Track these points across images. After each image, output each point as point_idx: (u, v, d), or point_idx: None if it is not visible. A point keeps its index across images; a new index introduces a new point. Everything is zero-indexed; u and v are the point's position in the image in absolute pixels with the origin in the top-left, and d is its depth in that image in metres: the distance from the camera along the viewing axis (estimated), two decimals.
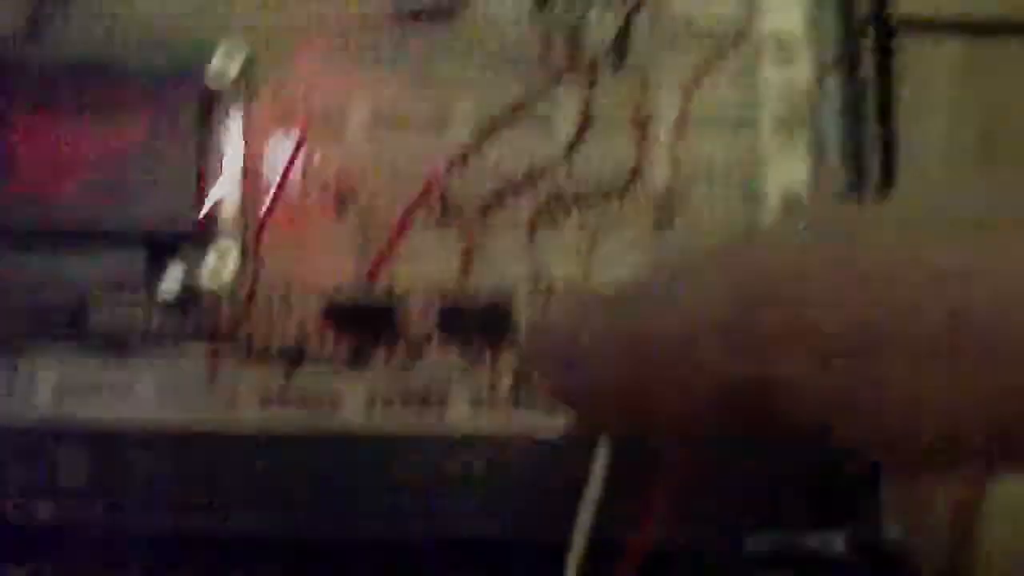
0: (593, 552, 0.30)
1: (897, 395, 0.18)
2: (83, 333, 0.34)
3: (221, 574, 0.35)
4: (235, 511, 0.34)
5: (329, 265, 0.35)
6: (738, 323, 0.20)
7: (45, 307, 0.34)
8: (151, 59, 0.35)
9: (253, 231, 0.35)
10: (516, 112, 0.35)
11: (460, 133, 0.35)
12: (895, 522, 0.33)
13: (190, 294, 0.34)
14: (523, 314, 0.34)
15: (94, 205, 0.34)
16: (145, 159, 0.34)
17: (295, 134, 0.35)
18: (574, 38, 0.36)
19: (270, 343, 0.34)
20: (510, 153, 0.35)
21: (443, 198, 0.34)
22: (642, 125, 0.35)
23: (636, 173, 0.35)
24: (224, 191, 0.35)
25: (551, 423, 0.33)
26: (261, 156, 0.35)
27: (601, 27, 0.36)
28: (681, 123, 0.35)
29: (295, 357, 0.33)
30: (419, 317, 0.34)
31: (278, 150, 0.35)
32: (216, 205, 0.35)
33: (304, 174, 0.35)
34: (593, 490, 0.30)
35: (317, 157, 0.35)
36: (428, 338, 0.34)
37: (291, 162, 0.35)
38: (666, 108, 0.35)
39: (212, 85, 0.35)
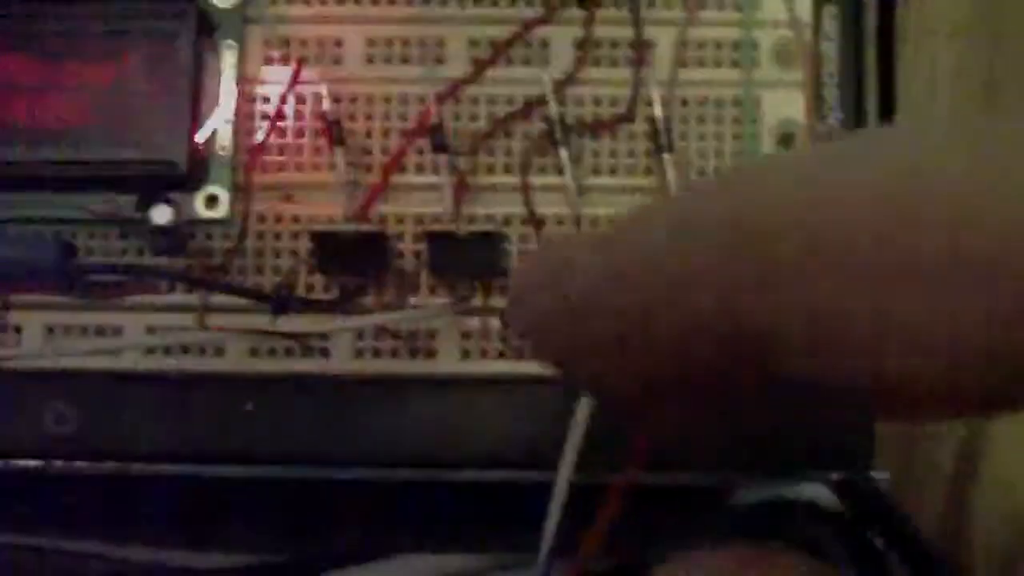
0: (576, 495, 0.30)
1: (901, 330, 0.18)
2: (71, 276, 0.34)
3: (210, 518, 0.35)
4: (224, 455, 0.34)
5: (321, 200, 0.35)
6: (744, 259, 0.18)
7: (32, 249, 0.33)
8: None
9: (245, 165, 0.35)
10: (511, 45, 0.35)
11: (455, 67, 0.35)
12: (886, 468, 0.33)
13: (180, 230, 0.34)
14: (515, 250, 0.34)
15: (83, 142, 0.34)
16: (137, 94, 0.34)
17: (291, 66, 0.35)
18: None
19: (260, 281, 0.34)
20: (505, 88, 0.35)
21: (436, 132, 0.34)
22: (639, 57, 0.35)
23: (632, 106, 0.35)
24: (217, 124, 0.35)
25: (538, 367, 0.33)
26: (255, 89, 0.35)
27: None
28: (678, 54, 0.35)
29: (284, 299, 0.33)
30: (410, 253, 0.34)
31: (272, 82, 0.35)
32: (209, 139, 0.35)
33: (297, 108, 0.35)
34: (576, 433, 0.31)
35: (311, 90, 0.35)
36: (417, 275, 0.34)
37: (285, 94, 0.35)
38: (663, 40, 0.35)
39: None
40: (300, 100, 0.35)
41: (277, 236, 0.34)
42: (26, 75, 0.34)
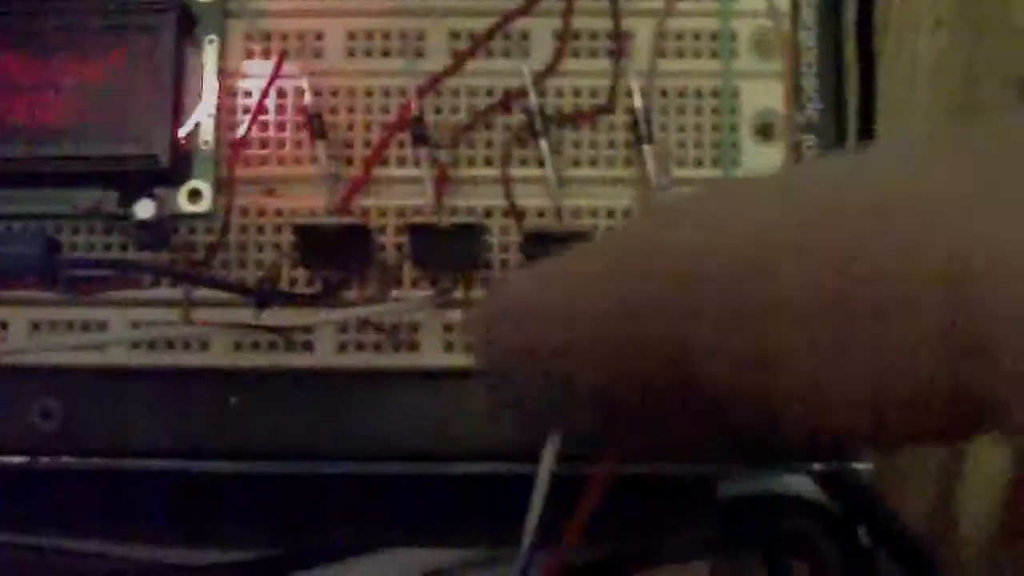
0: (558, 485, 0.30)
1: (816, 389, 0.18)
2: (55, 272, 0.34)
3: (200, 514, 0.35)
4: (210, 450, 0.34)
5: (303, 193, 0.35)
6: (726, 300, 0.19)
7: (16, 245, 0.33)
8: None
9: (228, 159, 0.35)
10: (491, 37, 0.35)
11: (435, 59, 0.35)
12: (868, 459, 0.33)
13: (164, 224, 0.34)
14: (496, 242, 0.34)
15: (65, 138, 0.34)
16: (119, 90, 0.34)
17: (272, 59, 0.35)
18: None
19: (244, 274, 0.34)
20: (486, 80, 0.35)
21: (417, 125, 0.34)
22: (618, 48, 0.35)
23: (612, 97, 0.35)
24: (200, 118, 0.35)
25: None
26: (237, 83, 0.35)
27: None
28: (657, 44, 0.35)
29: (267, 293, 0.33)
30: (392, 246, 0.34)
31: (254, 76, 0.35)
32: (192, 133, 0.35)
33: (279, 101, 0.35)
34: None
35: (292, 83, 0.35)
36: (399, 267, 0.34)
37: (267, 88, 0.35)
38: (642, 31, 0.35)
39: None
40: (281, 94, 0.35)
41: (260, 230, 0.35)
42: (8, 72, 0.34)
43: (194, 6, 0.35)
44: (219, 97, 0.35)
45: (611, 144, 0.35)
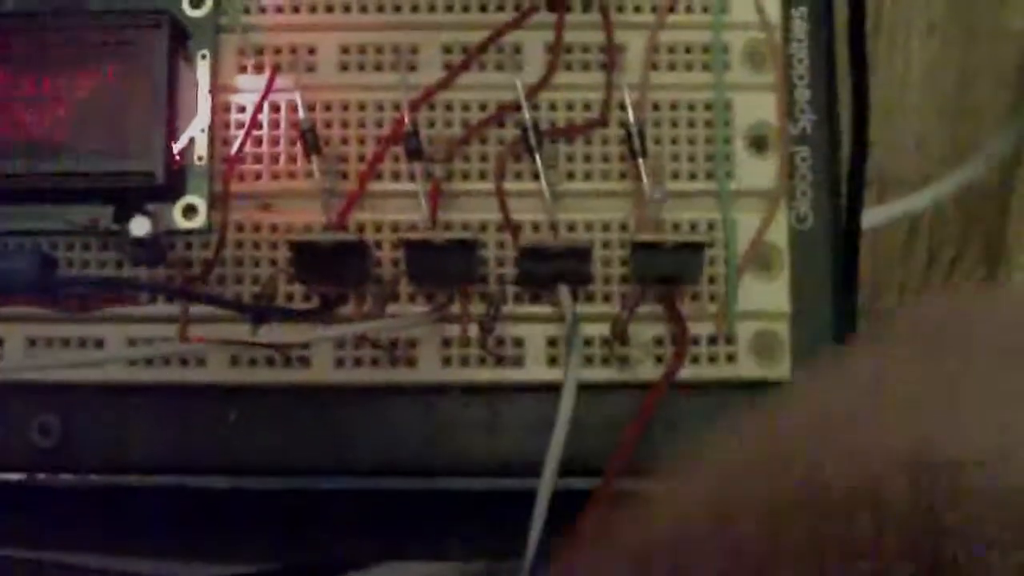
0: (559, 499, 0.30)
1: None
2: (52, 289, 0.33)
3: (193, 528, 0.36)
4: (208, 466, 0.34)
5: (298, 208, 0.35)
6: None
7: (12, 262, 0.33)
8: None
9: (222, 175, 0.35)
10: (484, 50, 0.35)
11: (428, 73, 0.35)
12: None
13: (159, 241, 0.33)
14: (491, 256, 0.34)
15: (60, 154, 0.34)
16: (113, 106, 0.34)
17: (265, 74, 0.35)
18: None
19: (240, 290, 0.34)
20: (479, 93, 0.35)
21: (411, 139, 0.34)
22: (610, 61, 0.35)
23: (605, 111, 0.35)
24: (193, 133, 0.35)
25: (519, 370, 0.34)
26: (230, 98, 0.35)
27: None
28: (649, 57, 0.35)
29: (264, 309, 0.33)
30: (388, 261, 0.34)
31: (247, 91, 0.35)
32: (186, 149, 0.35)
33: (272, 116, 0.35)
34: (557, 441, 0.31)
35: (286, 97, 0.35)
36: (396, 283, 0.34)
37: (260, 103, 0.35)
38: (634, 43, 0.35)
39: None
40: (275, 108, 0.35)
41: (256, 245, 0.35)
42: (2, 88, 0.34)
43: (186, 21, 0.35)
44: (213, 112, 0.35)
45: (605, 157, 0.35)
